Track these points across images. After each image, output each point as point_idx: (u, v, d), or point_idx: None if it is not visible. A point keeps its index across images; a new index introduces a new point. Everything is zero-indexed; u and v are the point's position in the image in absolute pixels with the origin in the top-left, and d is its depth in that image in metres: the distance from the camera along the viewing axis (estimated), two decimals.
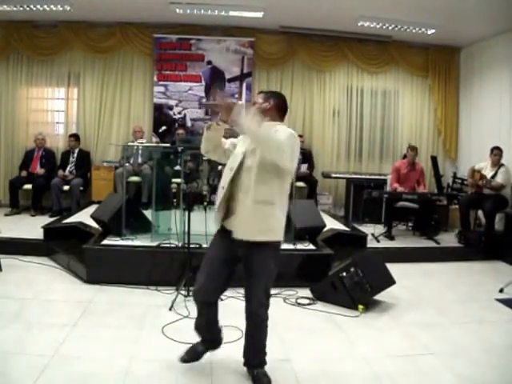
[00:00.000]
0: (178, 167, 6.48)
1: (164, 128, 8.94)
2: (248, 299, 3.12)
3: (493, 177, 7.16)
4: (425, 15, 7.57)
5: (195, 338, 3.32)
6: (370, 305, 4.61)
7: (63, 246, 5.88)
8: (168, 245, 5.30)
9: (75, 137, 8.44)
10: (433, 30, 8.23)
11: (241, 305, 3.99)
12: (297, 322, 4.25)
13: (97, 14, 8.14)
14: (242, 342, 3.27)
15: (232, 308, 3.89)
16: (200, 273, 3.13)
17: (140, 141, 7.62)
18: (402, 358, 3.57)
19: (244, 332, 3.23)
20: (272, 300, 4.51)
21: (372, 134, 9.50)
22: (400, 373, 3.35)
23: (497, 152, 7.27)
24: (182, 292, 4.64)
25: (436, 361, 3.56)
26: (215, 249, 3.13)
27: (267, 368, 3.20)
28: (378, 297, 4.72)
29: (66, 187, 7.89)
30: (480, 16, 7.38)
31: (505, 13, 7.07)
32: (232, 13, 7.80)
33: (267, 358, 3.20)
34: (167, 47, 8.82)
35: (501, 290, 5.31)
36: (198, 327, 3.29)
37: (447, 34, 8.46)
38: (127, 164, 7.69)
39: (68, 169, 8.19)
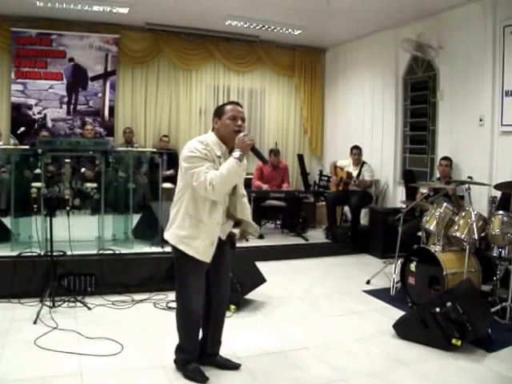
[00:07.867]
0: (38, 170, 6.10)
1: (23, 129, 8.28)
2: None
3: (358, 175, 7.52)
4: (292, 16, 7.81)
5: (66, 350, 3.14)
6: (242, 304, 4.60)
7: None
8: (30, 253, 4.96)
9: None
10: (299, 31, 8.53)
11: (113, 313, 3.82)
12: (167, 326, 4.15)
13: None
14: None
15: (104, 317, 3.69)
16: None
17: None
18: (276, 354, 3.62)
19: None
20: (143, 305, 4.38)
21: None
22: (274, 367, 3.41)
23: (356, 151, 7.69)
24: (47, 303, 4.37)
25: (310, 354, 3.66)
26: None
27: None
28: (249, 296, 4.76)
29: None
30: (344, 19, 7.78)
31: (367, 17, 7.52)
32: (96, 8, 7.46)
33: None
34: (26, 42, 8.20)
35: (368, 282, 5.62)
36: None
37: (313, 35, 8.86)
38: None
39: None
